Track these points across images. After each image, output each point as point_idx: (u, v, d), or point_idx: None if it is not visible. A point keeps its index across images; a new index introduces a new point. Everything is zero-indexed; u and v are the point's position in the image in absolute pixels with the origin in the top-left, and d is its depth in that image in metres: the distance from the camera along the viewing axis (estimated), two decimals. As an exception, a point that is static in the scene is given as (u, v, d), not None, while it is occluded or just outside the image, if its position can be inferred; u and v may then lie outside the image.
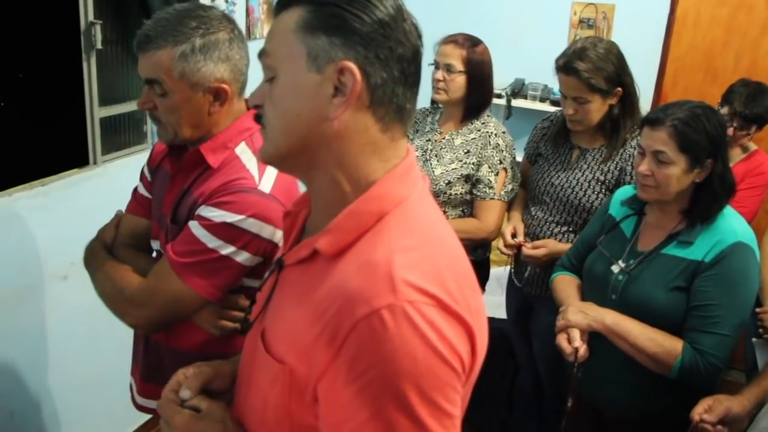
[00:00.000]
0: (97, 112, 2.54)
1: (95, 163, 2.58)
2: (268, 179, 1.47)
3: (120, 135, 2.71)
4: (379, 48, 0.89)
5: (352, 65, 0.88)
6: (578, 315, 1.86)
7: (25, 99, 2.32)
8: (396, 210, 0.91)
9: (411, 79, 0.94)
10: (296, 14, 0.91)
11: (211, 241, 1.41)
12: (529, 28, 4.21)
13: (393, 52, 0.90)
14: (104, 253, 1.64)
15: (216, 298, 1.47)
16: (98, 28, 2.43)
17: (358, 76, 0.88)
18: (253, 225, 1.41)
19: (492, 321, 2.97)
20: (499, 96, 4.15)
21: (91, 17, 2.42)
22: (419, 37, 0.95)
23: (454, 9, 4.32)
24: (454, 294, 0.86)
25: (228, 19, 1.49)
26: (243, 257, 1.44)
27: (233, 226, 1.41)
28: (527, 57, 4.04)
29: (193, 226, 1.43)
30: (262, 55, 0.96)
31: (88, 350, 2.56)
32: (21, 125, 2.29)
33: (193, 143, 1.52)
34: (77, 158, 2.53)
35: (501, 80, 4.17)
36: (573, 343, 1.84)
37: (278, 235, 1.45)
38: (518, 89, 4.19)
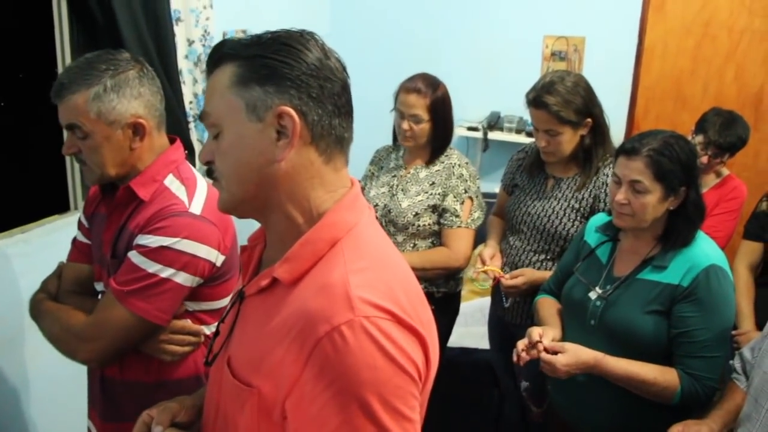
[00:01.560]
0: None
1: (76, 208, 2.59)
2: (197, 202, 1.55)
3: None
4: (311, 88, 0.96)
5: (289, 109, 0.95)
6: (569, 366, 1.82)
7: (4, 147, 2.33)
8: (347, 236, 0.98)
9: (344, 110, 1.01)
10: (228, 71, 0.98)
11: (150, 267, 1.47)
12: (502, 63, 4.30)
13: (324, 90, 0.97)
14: (48, 299, 1.68)
15: (163, 321, 1.52)
16: (76, 75, 2.46)
17: (296, 117, 0.95)
18: (188, 246, 1.49)
19: (476, 352, 3.01)
20: (475, 129, 4.21)
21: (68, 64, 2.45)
22: (344, 69, 1.02)
23: (429, 46, 4.41)
24: (407, 309, 0.93)
25: (136, 60, 1.57)
26: (182, 278, 1.50)
27: (169, 248, 1.47)
28: (502, 90, 4.11)
29: (132, 255, 1.49)
30: (203, 117, 1.02)
31: (72, 397, 2.52)
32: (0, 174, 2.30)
33: (121, 180, 1.57)
34: (57, 204, 2.54)
35: (477, 114, 4.27)
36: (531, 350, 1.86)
37: (214, 254, 1.53)
38: (494, 122, 4.25)
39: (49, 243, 2.40)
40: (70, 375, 2.44)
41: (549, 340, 1.85)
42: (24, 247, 2.32)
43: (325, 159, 1.00)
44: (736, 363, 1.82)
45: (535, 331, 1.89)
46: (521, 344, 1.89)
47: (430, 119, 2.47)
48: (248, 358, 1.00)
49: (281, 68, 0.95)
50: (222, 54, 1.00)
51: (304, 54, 0.96)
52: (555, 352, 1.82)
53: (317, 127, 0.97)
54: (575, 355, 1.80)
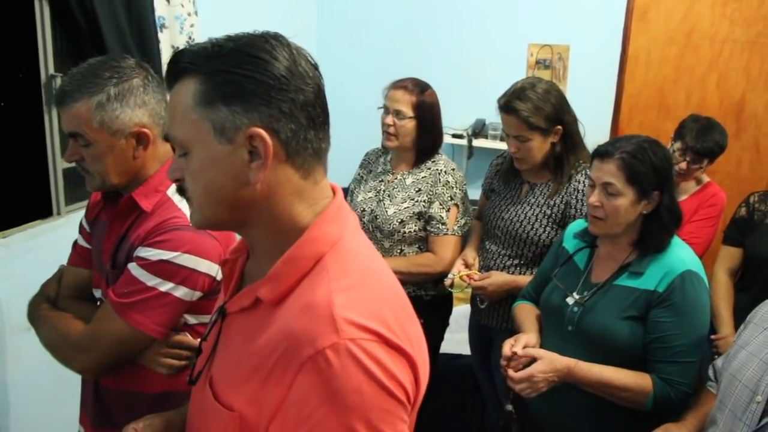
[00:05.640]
0: (59, 164, 2.57)
1: (59, 213, 2.59)
2: None
3: (83, 185, 2.72)
4: (281, 102, 0.90)
5: (259, 130, 0.89)
6: (546, 373, 1.81)
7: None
8: (331, 251, 0.94)
9: (320, 120, 0.95)
10: (190, 87, 0.92)
11: (150, 280, 1.45)
12: (488, 70, 4.33)
13: (295, 102, 0.91)
14: (47, 305, 1.67)
15: (160, 335, 1.50)
16: (59, 81, 2.46)
17: (267, 139, 0.89)
18: (188, 260, 1.46)
19: (460, 357, 3.01)
20: (460, 136, 4.24)
21: (51, 70, 2.47)
22: (316, 70, 0.96)
23: (414, 53, 4.44)
24: (394, 327, 0.89)
25: (141, 66, 1.54)
26: (182, 292, 1.48)
27: (169, 262, 1.45)
28: (487, 98, 4.05)
29: (132, 267, 1.48)
30: (168, 138, 0.98)
31: (55, 402, 2.52)
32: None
33: (124, 189, 1.56)
34: (41, 209, 2.54)
35: (462, 121, 4.29)
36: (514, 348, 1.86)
37: (215, 269, 1.50)
38: (479, 129, 4.28)
39: (31, 247, 2.41)
40: (54, 379, 2.44)
41: (521, 347, 1.85)
42: (5, 251, 2.32)
43: (304, 174, 0.95)
44: (710, 372, 1.84)
45: (506, 345, 1.87)
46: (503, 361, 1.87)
47: (414, 118, 2.49)
48: (231, 379, 0.96)
49: (247, 84, 0.89)
50: (181, 68, 0.93)
51: (272, 65, 0.90)
52: (530, 361, 1.82)
53: (291, 143, 0.92)
54: (551, 362, 1.80)
